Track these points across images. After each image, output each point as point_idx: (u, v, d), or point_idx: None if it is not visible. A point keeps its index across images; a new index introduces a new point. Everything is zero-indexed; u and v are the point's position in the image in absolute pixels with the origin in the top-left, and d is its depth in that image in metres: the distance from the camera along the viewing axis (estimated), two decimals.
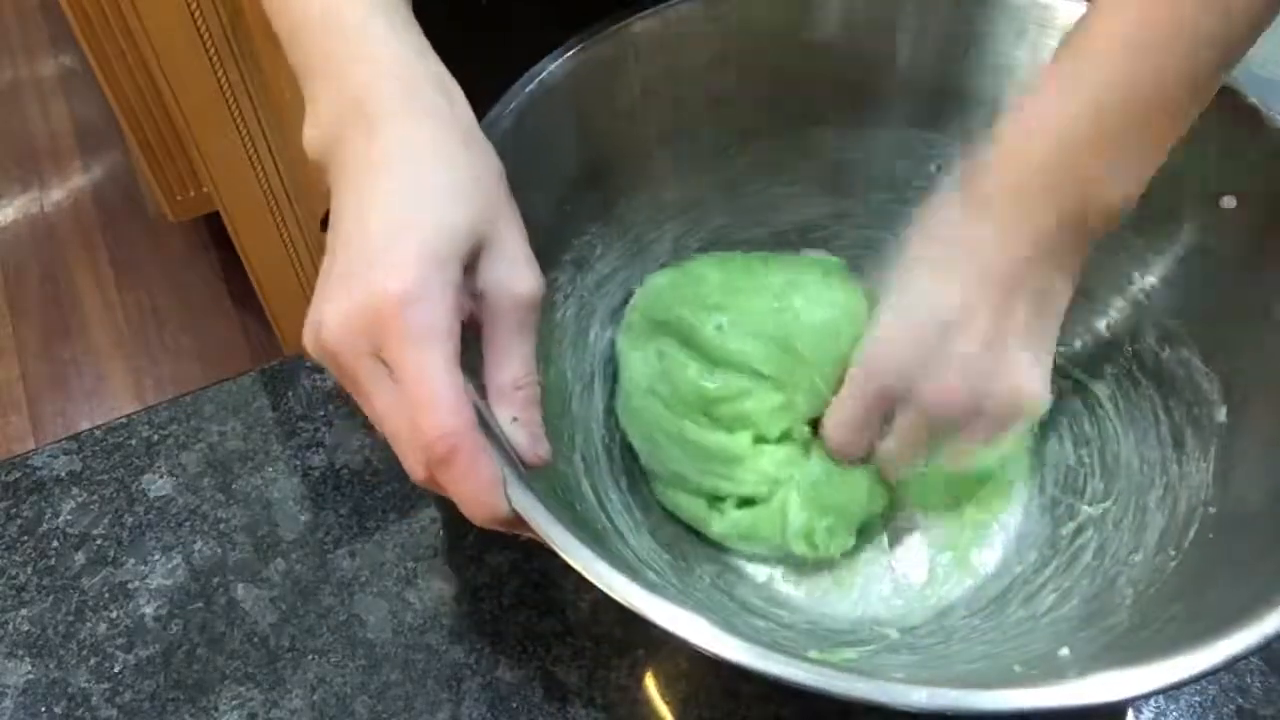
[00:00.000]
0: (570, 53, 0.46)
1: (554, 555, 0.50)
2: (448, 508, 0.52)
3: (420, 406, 0.33)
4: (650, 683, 0.47)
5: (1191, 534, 0.42)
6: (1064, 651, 0.39)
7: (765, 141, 0.52)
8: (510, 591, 0.49)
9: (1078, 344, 0.51)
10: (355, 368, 0.34)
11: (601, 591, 0.48)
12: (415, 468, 0.35)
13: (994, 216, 0.40)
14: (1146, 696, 0.31)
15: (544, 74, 0.45)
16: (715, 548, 0.49)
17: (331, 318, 0.34)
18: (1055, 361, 0.50)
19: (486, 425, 0.35)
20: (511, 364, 0.36)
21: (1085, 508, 0.47)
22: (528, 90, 0.45)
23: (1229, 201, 0.45)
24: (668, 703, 0.46)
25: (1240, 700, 0.46)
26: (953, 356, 0.41)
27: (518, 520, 0.34)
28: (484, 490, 0.34)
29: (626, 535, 0.45)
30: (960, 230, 0.41)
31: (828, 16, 0.50)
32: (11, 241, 1.83)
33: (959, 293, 0.41)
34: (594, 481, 0.46)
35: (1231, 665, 0.32)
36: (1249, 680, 0.47)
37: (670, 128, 0.50)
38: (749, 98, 0.51)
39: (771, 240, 0.54)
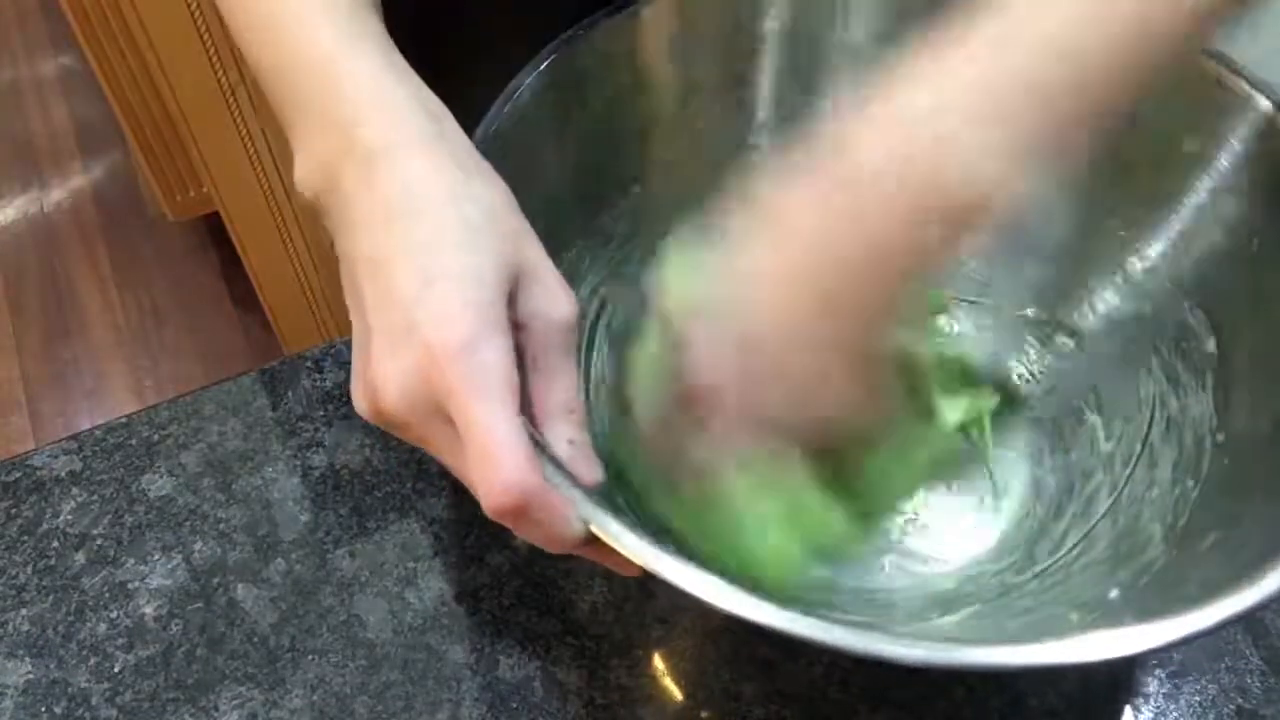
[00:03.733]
0: (544, 65, 0.45)
1: (561, 561, 0.49)
2: (450, 506, 0.52)
3: (484, 461, 0.32)
4: (651, 683, 0.47)
5: (1206, 463, 0.42)
6: (1114, 594, 0.39)
7: (749, 150, 0.52)
8: (510, 591, 0.49)
9: (1058, 289, 0.51)
10: (426, 433, 0.33)
11: (603, 592, 0.49)
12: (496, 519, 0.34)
13: (829, 209, 0.35)
14: (1229, 623, 0.31)
15: (521, 89, 0.45)
16: None
17: (388, 384, 0.32)
18: (1038, 315, 0.51)
19: (542, 450, 0.34)
20: (562, 388, 0.36)
21: (1088, 453, 0.48)
22: (505, 110, 0.44)
23: (1190, 145, 0.45)
24: (668, 703, 0.46)
25: (1240, 700, 0.46)
26: (752, 368, 0.37)
27: (589, 540, 0.34)
28: (557, 532, 0.33)
29: None
30: (793, 213, 0.36)
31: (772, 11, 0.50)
32: (11, 241, 1.84)
33: (770, 295, 0.36)
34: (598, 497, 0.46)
35: None
36: (1249, 680, 0.47)
37: (649, 136, 0.50)
38: (727, 103, 0.51)
39: None
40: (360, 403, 0.35)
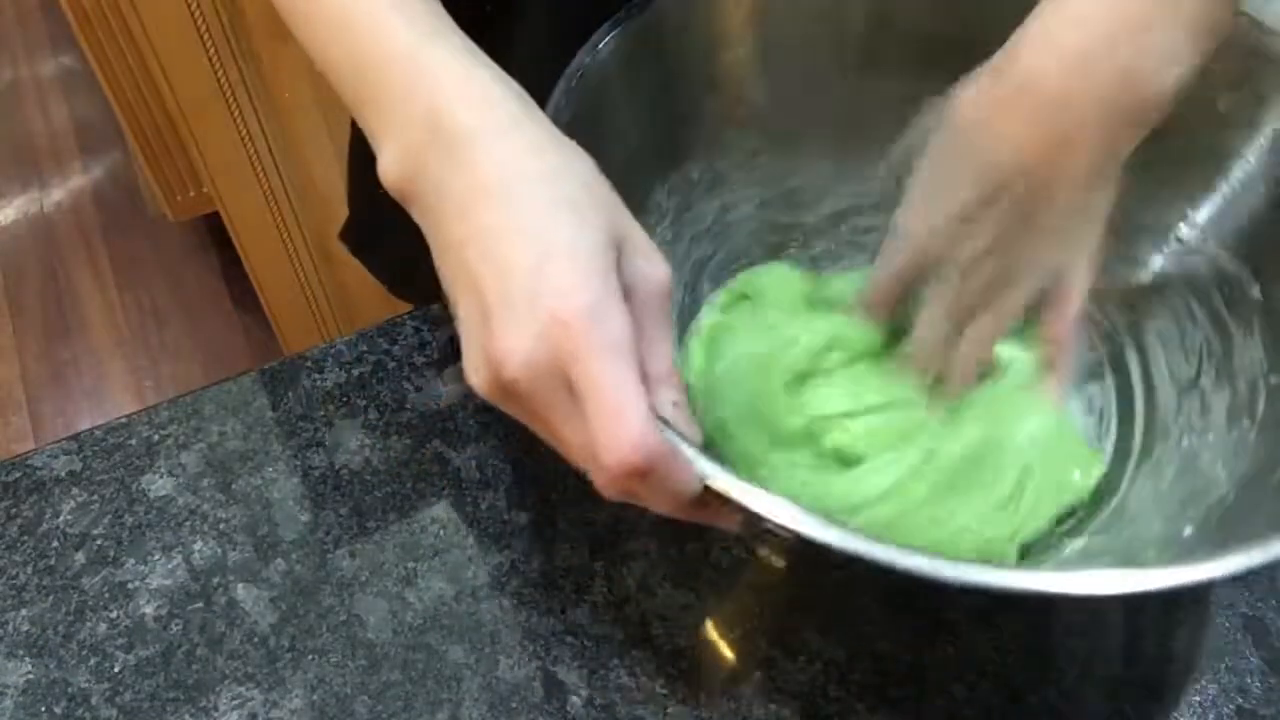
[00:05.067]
0: (610, 35, 0.46)
1: (561, 561, 0.49)
2: (450, 506, 0.52)
3: (613, 422, 0.32)
4: (651, 683, 0.47)
5: (1261, 404, 0.43)
6: (1188, 531, 0.40)
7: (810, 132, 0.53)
8: (510, 591, 0.49)
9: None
10: (549, 400, 0.33)
11: (601, 592, 0.49)
12: (611, 486, 0.34)
13: (1027, 104, 0.40)
14: None
15: (587, 62, 0.45)
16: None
17: (512, 355, 0.32)
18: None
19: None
20: (664, 351, 0.36)
21: (1137, 402, 0.48)
22: (577, 81, 0.45)
23: (1224, 104, 0.46)
24: (668, 702, 0.46)
25: (1240, 700, 0.46)
26: (988, 222, 0.42)
27: (707, 497, 0.34)
28: (680, 489, 0.34)
29: None
30: (991, 117, 0.41)
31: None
32: (11, 241, 1.84)
33: (996, 169, 0.42)
34: None
35: None
36: (1249, 680, 0.47)
37: (701, 115, 0.51)
38: (791, 77, 0.51)
39: (826, 222, 0.55)
40: (480, 377, 0.35)
